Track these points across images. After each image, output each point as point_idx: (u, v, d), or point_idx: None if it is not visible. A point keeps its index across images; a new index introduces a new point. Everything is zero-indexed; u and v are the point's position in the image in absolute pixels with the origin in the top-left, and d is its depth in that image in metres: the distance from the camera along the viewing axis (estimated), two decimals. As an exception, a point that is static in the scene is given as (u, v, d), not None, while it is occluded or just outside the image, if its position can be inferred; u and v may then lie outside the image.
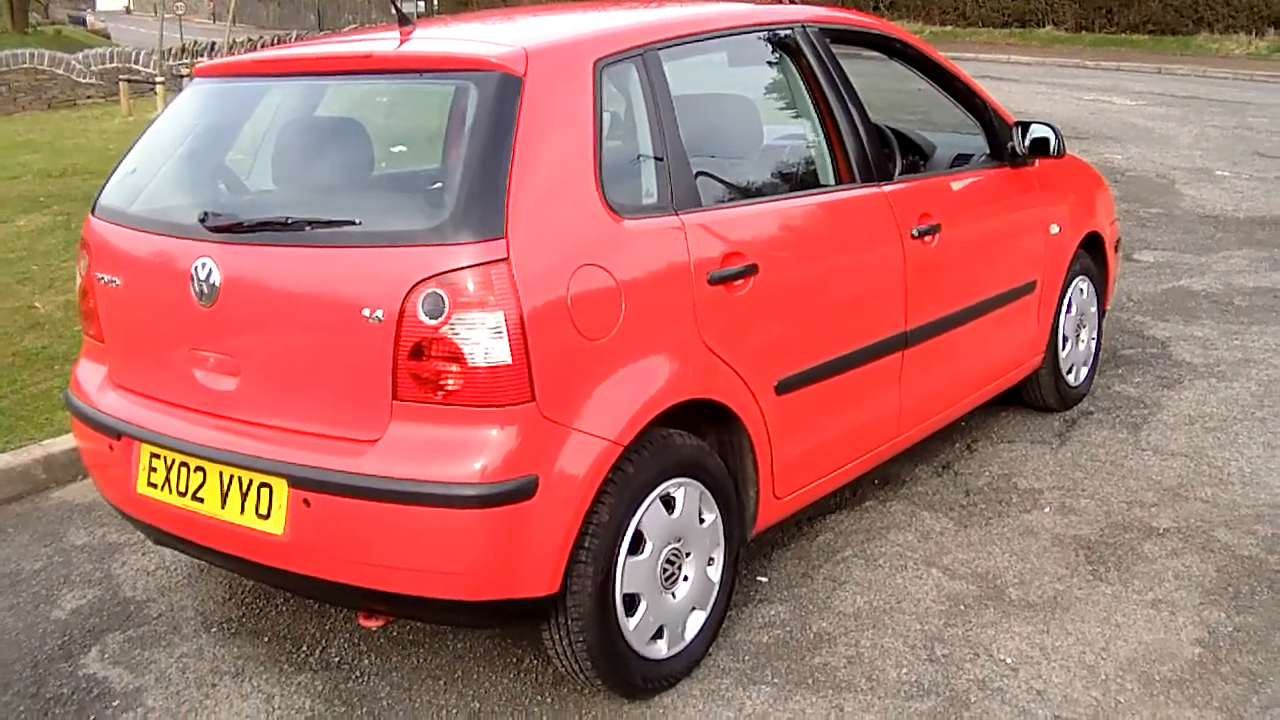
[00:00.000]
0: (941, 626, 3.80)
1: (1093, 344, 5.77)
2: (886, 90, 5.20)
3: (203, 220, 3.41)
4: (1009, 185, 5.03)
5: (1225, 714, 3.33)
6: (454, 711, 3.47)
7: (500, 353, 3.00)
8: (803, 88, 4.19)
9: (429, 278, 3.00)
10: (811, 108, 4.18)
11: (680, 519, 3.46)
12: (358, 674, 3.67)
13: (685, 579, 3.53)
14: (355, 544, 3.12)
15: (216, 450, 3.34)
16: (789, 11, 4.31)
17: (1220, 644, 3.66)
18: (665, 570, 3.45)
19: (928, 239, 4.35)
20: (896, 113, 5.39)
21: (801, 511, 4.30)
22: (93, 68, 23.85)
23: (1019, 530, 4.43)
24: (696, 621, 3.59)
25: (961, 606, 3.92)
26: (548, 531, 3.10)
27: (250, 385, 3.35)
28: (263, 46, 17.34)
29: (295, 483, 3.17)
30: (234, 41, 23.68)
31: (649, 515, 3.35)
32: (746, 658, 3.67)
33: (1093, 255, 5.67)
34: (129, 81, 20.36)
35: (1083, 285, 5.59)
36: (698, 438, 3.53)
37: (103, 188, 3.90)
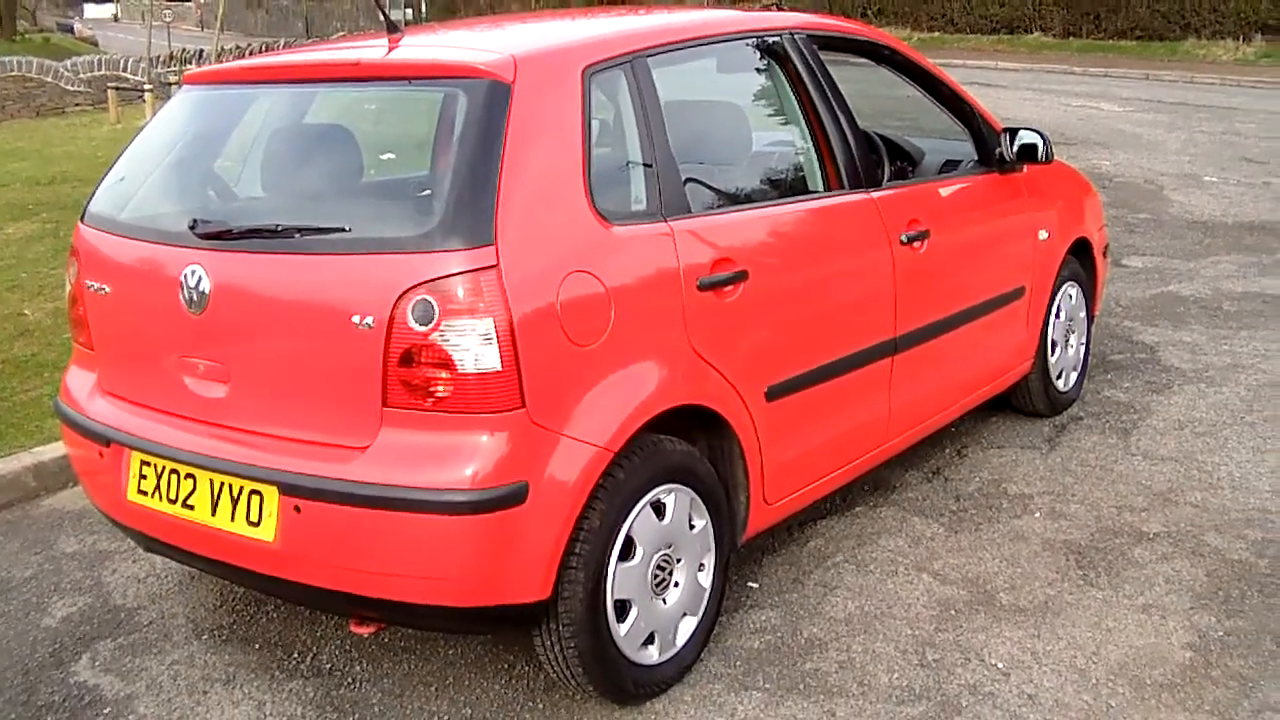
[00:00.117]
0: (932, 631, 3.81)
1: (1082, 349, 5.78)
2: (875, 97, 5.21)
3: (192, 227, 3.41)
4: (997, 191, 5.04)
5: (1216, 718, 3.33)
6: (445, 718, 3.46)
7: (490, 359, 3.00)
8: (791, 94, 4.20)
9: (418, 284, 3.00)
10: (800, 114, 4.19)
11: (671, 525, 3.46)
12: (349, 681, 3.66)
13: (676, 585, 3.54)
14: (346, 550, 3.12)
15: (207, 457, 3.34)
16: (777, 18, 4.32)
17: (1211, 648, 3.67)
18: (656, 576, 3.45)
19: (916, 245, 4.36)
20: (885, 119, 5.40)
21: (792, 517, 4.31)
22: (81, 75, 23.83)
23: (1009, 535, 4.44)
24: (688, 627, 3.59)
25: (952, 611, 3.92)
26: (538, 537, 3.10)
27: (240, 392, 3.35)
28: (251, 54, 17.34)
29: (286, 490, 3.16)
30: (222, 49, 23.66)
31: (640, 521, 3.35)
32: (738, 663, 3.67)
33: (1081, 261, 5.69)
34: (117, 89, 20.35)
35: (1071, 291, 5.60)
36: (688, 443, 3.54)
37: (92, 195, 3.89)
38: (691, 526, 3.55)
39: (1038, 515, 4.59)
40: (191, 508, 3.37)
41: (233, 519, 3.27)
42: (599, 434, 3.18)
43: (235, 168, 3.99)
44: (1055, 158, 5.17)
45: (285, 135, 3.88)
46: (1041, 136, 5.01)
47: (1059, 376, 5.57)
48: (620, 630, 3.35)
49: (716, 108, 4.34)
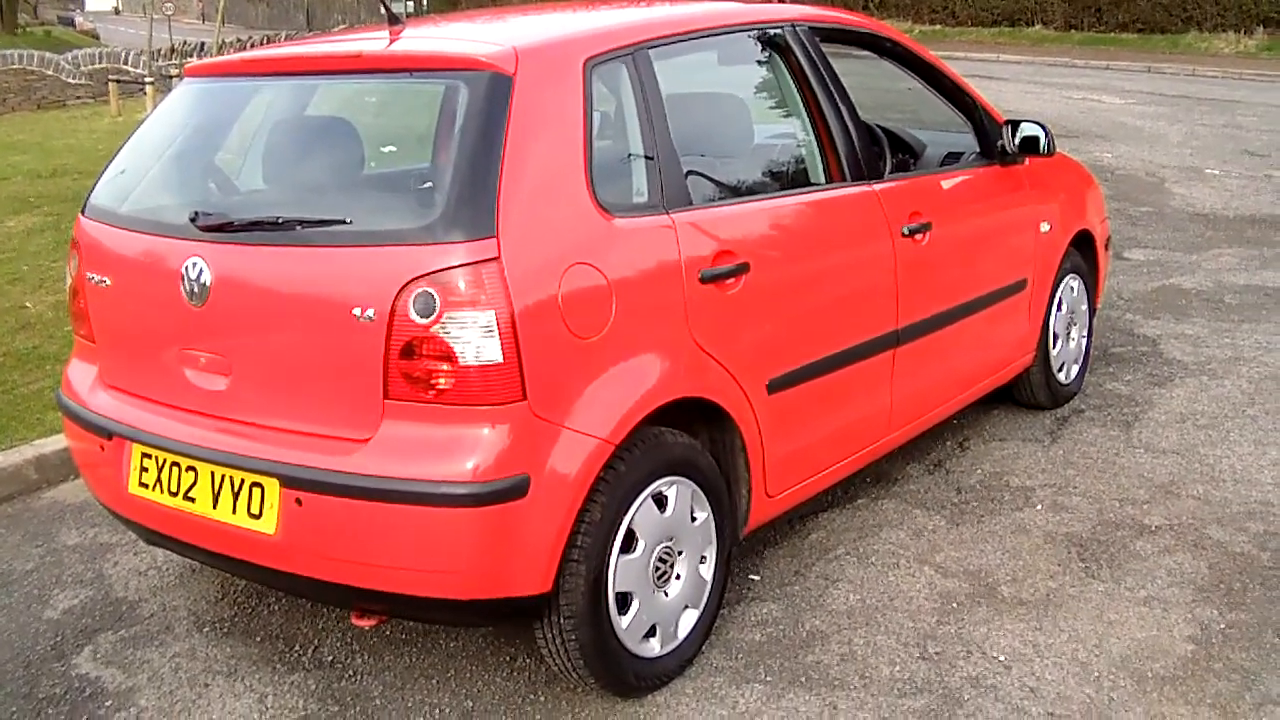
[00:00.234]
0: (934, 624, 3.81)
1: (1084, 342, 5.78)
2: (876, 89, 5.20)
3: (193, 220, 3.40)
4: (999, 184, 5.03)
5: (1218, 711, 3.33)
6: (447, 711, 3.46)
7: (491, 352, 3.00)
8: (793, 87, 4.19)
9: (420, 277, 3.00)
10: (802, 106, 4.18)
11: (672, 517, 3.46)
12: (350, 673, 3.66)
13: (678, 577, 3.53)
14: (347, 543, 3.12)
15: (208, 450, 3.33)
16: (779, 10, 4.31)
17: (1213, 641, 3.67)
18: (657, 569, 3.45)
19: (918, 237, 4.35)
20: (886, 111, 5.39)
21: (793, 510, 4.31)
22: (82, 68, 23.83)
23: (1011, 528, 4.43)
24: (689, 620, 3.59)
25: (954, 604, 3.92)
26: (540, 530, 3.10)
27: (241, 385, 3.35)
28: (252, 46, 17.33)
29: (287, 482, 3.16)
30: (223, 42, 23.66)
31: (641, 514, 3.35)
32: (739, 656, 3.67)
33: (1083, 253, 5.68)
34: (118, 82, 20.35)
35: (1073, 283, 5.60)
36: (689, 436, 3.54)
37: (93, 188, 3.89)
38: (693, 519, 3.55)
39: (1039, 508, 4.59)
40: (193, 500, 3.37)
41: (234, 511, 3.27)
42: (600, 426, 3.17)
43: (236, 160, 3.98)
44: (1057, 150, 5.16)
45: (286, 128, 3.87)
46: (1043, 129, 5.00)
47: (1060, 369, 5.57)
48: (622, 623, 3.35)
49: (718, 100, 4.34)
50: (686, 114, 3.81)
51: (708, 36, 4.06)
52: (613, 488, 3.23)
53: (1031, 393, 5.51)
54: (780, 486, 3.90)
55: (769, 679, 3.55)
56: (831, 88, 4.21)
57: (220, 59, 4.00)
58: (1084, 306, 5.74)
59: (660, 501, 3.42)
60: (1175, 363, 6.18)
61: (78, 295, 3.80)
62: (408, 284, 3.01)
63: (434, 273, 2.99)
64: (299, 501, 3.14)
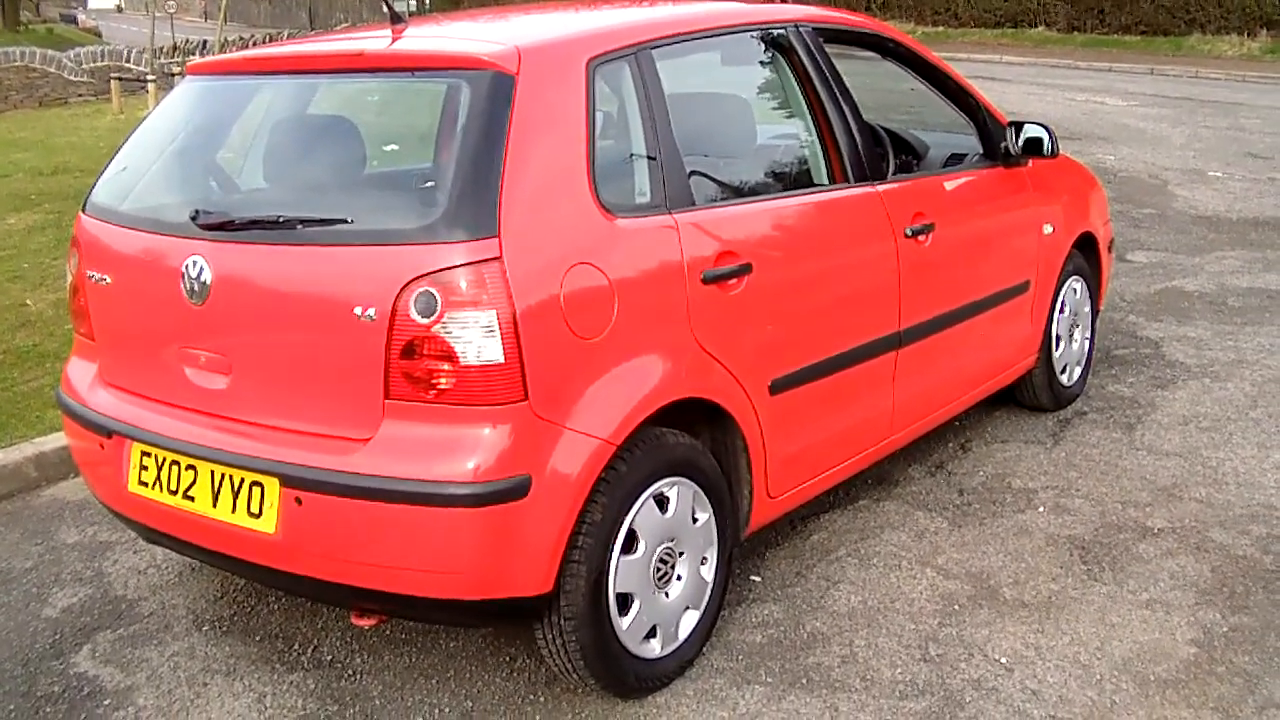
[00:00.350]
0: (936, 626, 3.80)
1: (1086, 344, 5.77)
2: (880, 90, 5.19)
3: (194, 218, 3.39)
4: (1002, 185, 5.02)
5: (1221, 714, 3.32)
6: (446, 711, 3.45)
7: (493, 352, 2.99)
8: (796, 87, 4.18)
9: (421, 276, 2.99)
10: (805, 107, 4.17)
11: (673, 518, 3.45)
12: (350, 673, 3.65)
13: (678, 578, 3.52)
14: (347, 543, 3.11)
15: (208, 449, 3.32)
16: (782, 11, 4.30)
17: (1215, 644, 3.66)
18: (658, 570, 3.44)
19: (921, 238, 4.34)
20: (890, 112, 5.38)
21: (795, 511, 4.30)
22: (84, 66, 23.83)
23: (1013, 530, 4.42)
24: (690, 621, 3.58)
25: (956, 606, 3.91)
26: (541, 531, 3.09)
27: (242, 384, 3.34)
28: (254, 45, 17.31)
29: (287, 481, 3.15)
30: (226, 40, 23.65)
31: (642, 514, 3.34)
32: (740, 657, 3.66)
33: (1086, 255, 5.67)
34: (120, 80, 20.33)
35: (1076, 285, 5.58)
36: (691, 437, 3.53)
37: (93, 186, 3.88)
38: (694, 520, 3.54)
39: (1042, 510, 4.58)
40: (192, 499, 3.36)
41: (234, 510, 3.26)
42: (602, 427, 3.16)
43: (238, 159, 3.97)
44: (1060, 152, 5.14)
45: (288, 126, 3.86)
46: (1047, 130, 4.99)
47: (1063, 371, 5.55)
48: (622, 624, 3.34)
49: (721, 100, 4.33)
50: (689, 114, 3.80)
51: (711, 36, 4.05)
52: (614, 488, 3.22)
53: (1034, 394, 5.49)
54: (782, 488, 3.89)
55: (770, 680, 3.54)
56: (835, 88, 4.20)
57: (222, 57, 3.99)
58: (1087, 308, 5.73)
59: (662, 502, 3.41)
60: (1178, 365, 6.17)
61: (78, 293, 3.79)
62: (409, 283, 3.00)
63: (435, 272, 2.98)
64: (299, 501, 3.13)
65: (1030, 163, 5.11)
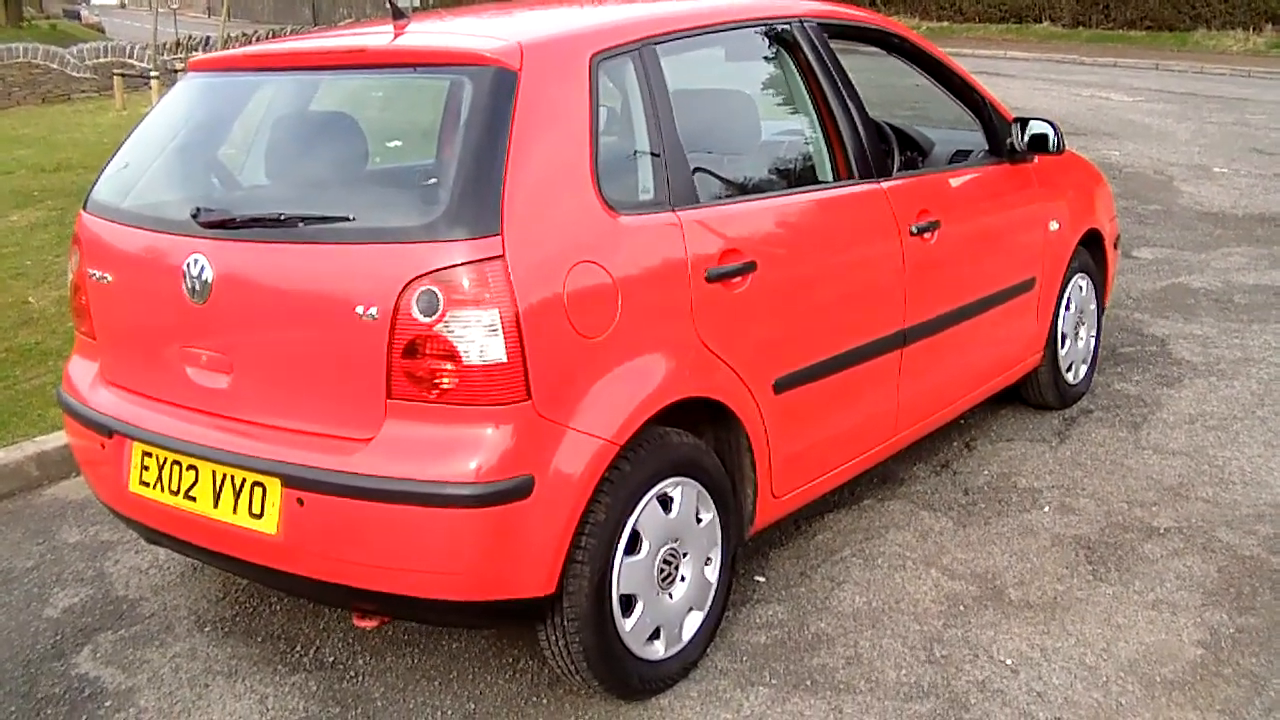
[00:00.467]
0: (941, 627, 3.77)
1: (1092, 342, 5.74)
2: (885, 86, 5.17)
3: (195, 216, 3.37)
4: (1008, 182, 5.00)
5: (1227, 717, 3.30)
6: (449, 713, 3.44)
7: (495, 351, 2.97)
8: (800, 83, 4.16)
9: (423, 275, 2.97)
10: (809, 103, 4.15)
11: (677, 519, 3.43)
12: (352, 674, 3.64)
13: (682, 579, 3.50)
14: (349, 544, 3.09)
15: (209, 449, 3.31)
16: (787, 6, 4.27)
17: (1222, 645, 3.64)
18: (662, 570, 3.42)
19: (926, 236, 4.32)
20: (895, 109, 5.36)
21: (799, 511, 4.27)
22: (87, 62, 23.80)
23: (1018, 530, 4.40)
24: (694, 622, 3.56)
25: (961, 607, 3.89)
26: (543, 531, 3.07)
27: (243, 383, 3.32)
28: (257, 41, 17.29)
29: (289, 482, 3.13)
30: (229, 36, 23.63)
31: (646, 515, 3.32)
32: (744, 658, 3.64)
33: (1092, 252, 5.65)
34: (123, 76, 20.31)
35: (1082, 282, 5.56)
36: (695, 436, 3.50)
37: (94, 183, 3.86)
38: (698, 520, 3.52)
39: (1047, 509, 4.55)
40: (193, 499, 3.34)
41: (235, 511, 3.24)
42: (605, 427, 3.14)
43: (239, 156, 3.95)
44: (1066, 148, 5.12)
45: (290, 123, 3.84)
46: (1052, 126, 4.97)
47: (1069, 369, 5.53)
48: (625, 625, 3.33)
49: (725, 96, 4.30)
50: (693, 110, 3.78)
51: (715, 32, 4.02)
52: (617, 489, 3.20)
53: (1039, 393, 5.47)
54: (786, 487, 3.87)
55: (774, 682, 3.52)
56: (839, 84, 4.18)
57: (224, 53, 3.96)
58: (1092, 306, 5.70)
59: (665, 502, 3.39)
60: (1184, 363, 6.14)
61: (79, 291, 3.77)
62: (411, 282, 2.97)
63: (437, 271, 2.96)
64: (301, 501, 3.11)
65: (1036, 159, 5.09)
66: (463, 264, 2.96)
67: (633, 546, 3.31)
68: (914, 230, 4.26)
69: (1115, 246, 5.96)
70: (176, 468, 3.39)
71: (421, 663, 3.68)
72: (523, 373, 2.99)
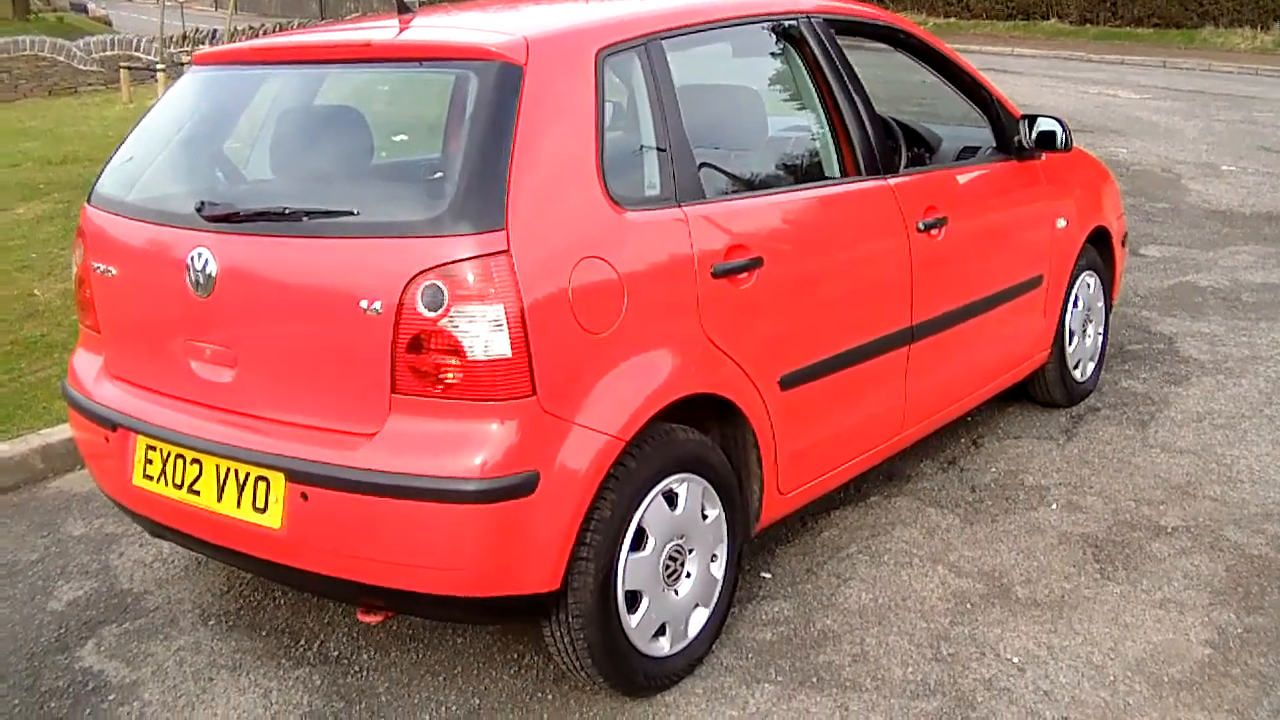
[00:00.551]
0: (947, 625, 3.76)
1: (1099, 339, 5.72)
2: (892, 82, 5.15)
3: (199, 209, 3.36)
4: (1015, 178, 4.98)
5: (1235, 717, 3.29)
6: (453, 708, 3.43)
7: (500, 346, 2.96)
8: (807, 79, 4.14)
9: (428, 269, 2.96)
10: (816, 99, 4.13)
11: (683, 515, 3.42)
12: (356, 669, 3.63)
13: (688, 576, 3.49)
14: (354, 538, 3.08)
15: (213, 443, 3.30)
16: (794, 2, 4.25)
17: (1230, 645, 3.62)
18: (668, 567, 3.41)
19: (933, 232, 4.30)
20: (902, 105, 5.34)
21: (806, 507, 4.26)
22: (94, 55, 23.77)
23: (1025, 527, 4.39)
24: (699, 619, 3.55)
25: (967, 605, 3.87)
26: (549, 527, 3.06)
27: (247, 377, 3.31)
28: (264, 34, 17.26)
29: (293, 476, 3.12)
30: (235, 29, 23.60)
31: (651, 511, 3.31)
32: (750, 655, 3.63)
33: (1099, 250, 5.63)
34: (130, 69, 20.29)
35: (1089, 280, 5.54)
36: (701, 433, 3.49)
37: (99, 176, 3.85)
38: (704, 517, 3.50)
39: (1054, 507, 4.54)
40: (197, 493, 3.33)
41: (239, 505, 3.24)
42: (611, 423, 3.13)
43: (244, 149, 3.94)
44: (1074, 145, 5.10)
45: (295, 117, 3.83)
46: (1060, 123, 4.95)
47: (1076, 366, 5.51)
48: (631, 621, 3.32)
49: (732, 92, 4.29)
50: (700, 106, 3.76)
51: (722, 28, 4.00)
52: (623, 485, 3.19)
53: (1047, 390, 5.46)
54: (793, 484, 3.86)
55: (780, 679, 3.51)
56: (847, 80, 4.16)
57: (229, 47, 3.95)
58: (1100, 303, 5.68)
59: (671, 499, 3.38)
60: (1192, 361, 6.12)
61: (83, 285, 3.76)
62: (415, 276, 2.96)
63: (442, 265, 2.95)
64: (305, 496, 3.11)
65: (1043, 156, 5.06)
66: (468, 259, 2.95)
67: (638, 543, 3.30)
68: (921, 227, 4.25)
69: (1123, 244, 5.94)
70: (180, 461, 3.38)
71: (426, 658, 3.67)
72: (528, 368, 2.98)
